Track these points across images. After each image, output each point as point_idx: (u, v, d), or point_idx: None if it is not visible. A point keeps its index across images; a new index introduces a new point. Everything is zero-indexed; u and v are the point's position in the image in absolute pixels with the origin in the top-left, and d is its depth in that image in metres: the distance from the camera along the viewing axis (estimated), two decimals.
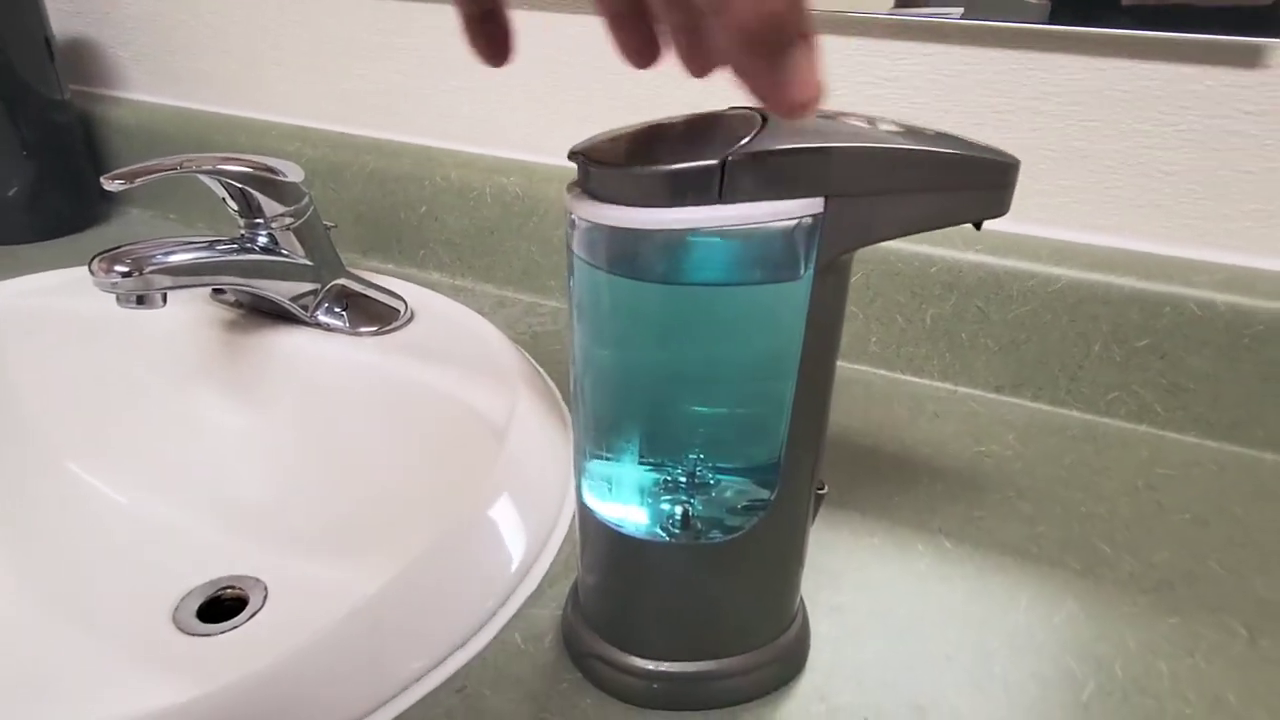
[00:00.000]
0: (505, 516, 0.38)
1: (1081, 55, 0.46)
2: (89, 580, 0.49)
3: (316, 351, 0.53)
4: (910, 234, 0.24)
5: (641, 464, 0.28)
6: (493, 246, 0.63)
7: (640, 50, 0.26)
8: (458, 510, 0.37)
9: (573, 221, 0.24)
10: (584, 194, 0.23)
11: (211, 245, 0.48)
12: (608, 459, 0.28)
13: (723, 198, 0.21)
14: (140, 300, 0.46)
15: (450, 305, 0.58)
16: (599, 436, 0.28)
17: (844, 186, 0.23)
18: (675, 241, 0.23)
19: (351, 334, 0.53)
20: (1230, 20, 0.41)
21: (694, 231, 0.22)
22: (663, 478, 0.28)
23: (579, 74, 0.58)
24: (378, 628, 0.32)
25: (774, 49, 0.18)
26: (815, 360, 0.25)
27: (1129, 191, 0.47)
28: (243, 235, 0.51)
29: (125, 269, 0.44)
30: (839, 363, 0.54)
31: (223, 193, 0.49)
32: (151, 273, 0.45)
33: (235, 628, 0.46)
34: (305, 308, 0.53)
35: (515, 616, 0.35)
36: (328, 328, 0.53)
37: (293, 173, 0.50)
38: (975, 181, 0.25)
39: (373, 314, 0.54)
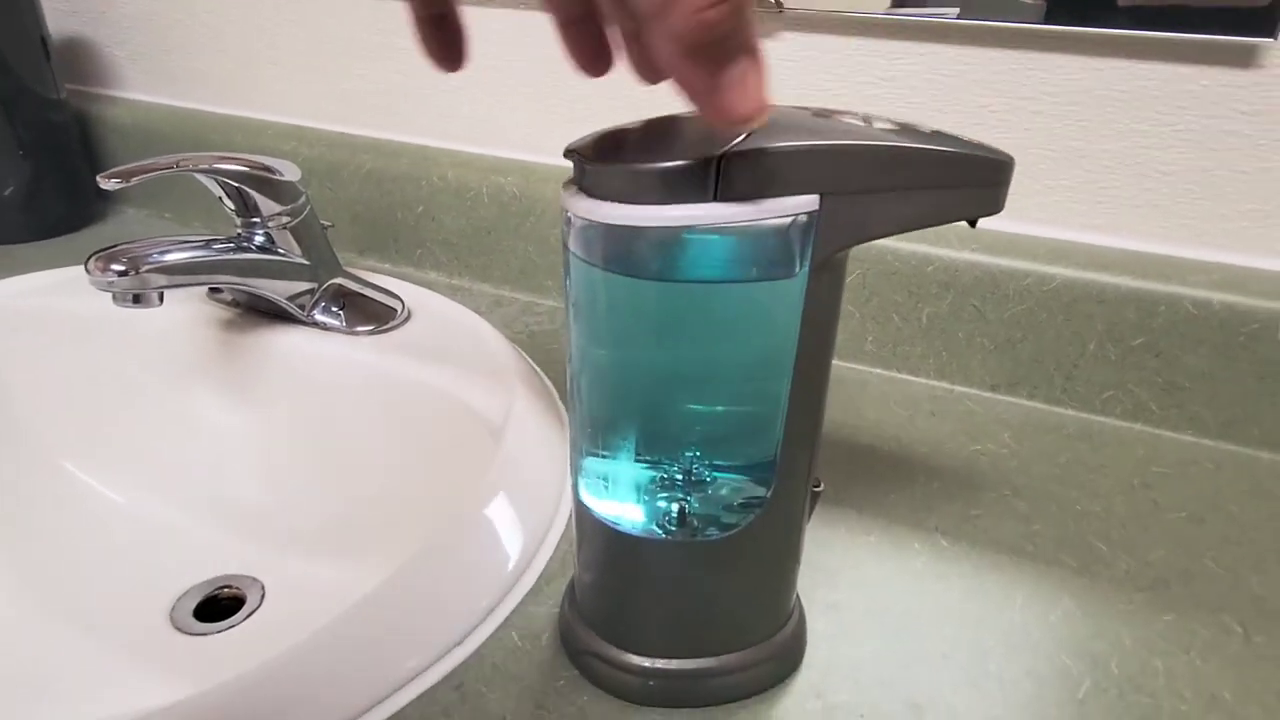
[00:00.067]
0: (502, 515, 0.38)
1: (1078, 55, 0.46)
2: (85, 580, 0.49)
3: (313, 351, 0.53)
4: (905, 231, 0.25)
5: (638, 461, 0.28)
6: (490, 246, 0.63)
7: (592, 58, 0.26)
8: (455, 509, 0.37)
9: (568, 219, 0.24)
10: (580, 191, 0.23)
11: (208, 244, 0.48)
12: (604, 457, 0.28)
13: (718, 195, 0.21)
14: (136, 299, 0.46)
15: (447, 304, 0.58)
16: (595, 434, 0.28)
17: (839, 184, 0.23)
18: (670, 239, 0.23)
19: (348, 333, 0.53)
20: (1225, 20, 0.42)
21: (689, 229, 0.22)
22: (659, 475, 0.28)
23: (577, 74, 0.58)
24: (375, 626, 0.32)
25: (713, 59, 0.18)
26: (811, 358, 0.25)
27: (1126, 191, 0.48)
28: (239, 234, 0.51)
29: (121, 268, 0.44)
30: (836, 361, 0.54)
31: (219, 192, 0.49)
32: (148, 272, 0.45)
33: (232, 627, 0.46)
34: (302, 307, 0.53)
35: (512, 614, 0.35)
36: (324, 327, 0.53)
37: (289, 172, 0.50)
38: (969, 179, 0.25)
39: (370, 313, 0.54)
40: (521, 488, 0.39)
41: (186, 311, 0.55)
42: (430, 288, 0.60)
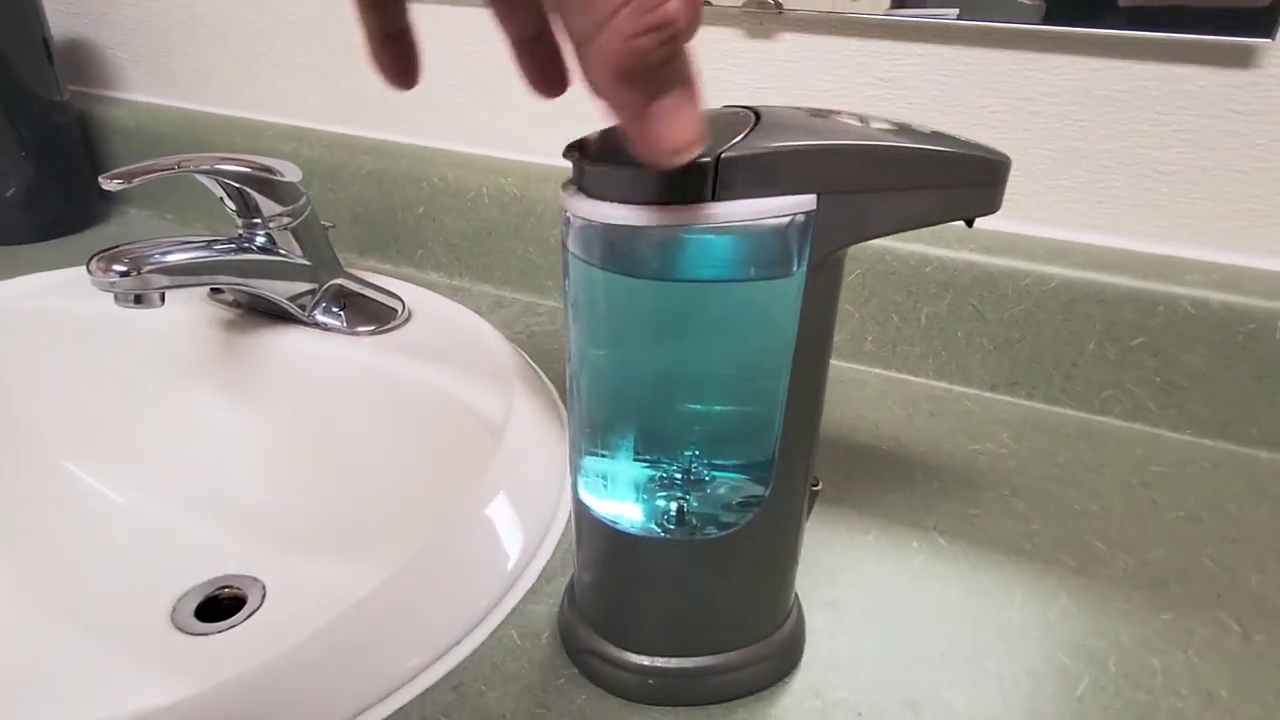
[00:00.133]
0: (502, 514, 0.38)
1: (1077, 56, 0.46)
2: (86, 580, 0.49)
3: (314, 351, 0.53)
4: (902, 231, 0.25)
5: (637, 461, 0.28)
6: (490, 247, 0.63)
7: (545, 78, 0.25)
8: (455, 508, 0.37)
9: (567, 219, 0.24)
10: (579, 192, 0.24)
11: (209, 245, 0.48)
12: (603, 456, 0.28)
13: (716, 195, 0.22)
14: (138, 300, 0.46)
15: (448, 305, 0.58)
16: (594, 433, 0.28)
17: (836, 184, 0.23)
18: (669, 239, 0.23)
19: (349, 333, 0.53)
20: (1223, 21, 0.42)
21: (687, 229, 0.23)
22: (658, 474, 0.28)
23: (577, 75, 0.58)
24: (375, 625, 0.32)
25: (644, 87, 0.18)
26: (808, 357, 0.25)
27: (1125, 191, 0.48)
28: (240, 235, 0.51)
29: (123, 268, 0.45)
30: (835, 361, 0.55)
31: (220, 193, 0.49)
32: (149, 272, 0.45)
33: (233, 627, 0.46)
34: (303, 307, 0.53)
35: (512, 613, 0.35)
36: (325, 327, 0.53)
37: (290, 173, 0.50)
38: (966, 179, 0.25)
39: (370, 314, 0.54)
40: (521, 487, 0.39)
41: (188, 312, 0.55)
42: (431, 288, 0.60)
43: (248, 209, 0.50)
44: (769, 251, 0.23)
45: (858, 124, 0.25)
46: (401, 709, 0.30)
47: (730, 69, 0.54)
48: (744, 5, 0.51)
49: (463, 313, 0.57)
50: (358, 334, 0.53)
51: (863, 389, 0.52)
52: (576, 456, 0.29)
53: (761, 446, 0.27)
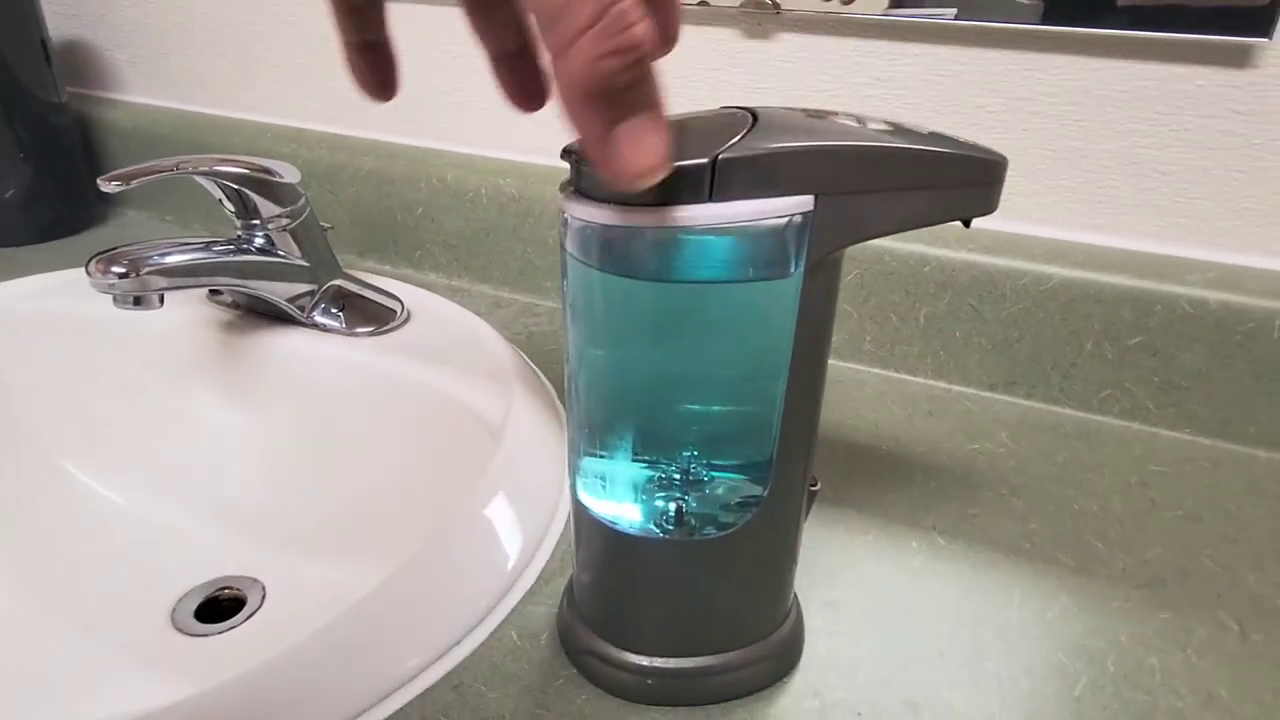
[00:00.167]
0: (501, 515, 0.38)
1: (1075, 55, 0.46)
2: (86, 581, 0.49)
3: (313, 352, 0.53)
4: (900, 232, 0.25)
5: (635, 461, 0.28)
6: (489, 247, 0.63)
7: (524, 93, 0.26)
8: (454, 509, 0.37)
9: (565, 220, 0.24)
10: (576, 193, 0.24)
11: (208, 246, 0.48)
12: (602, 456, 0.28)
13: (713, 196, 0.22)
14: (137, 301, 0.46)
15: (446, 306, 0.58)
16: (593, 434, 0.28)
17: (833, 185, 0.23)
18: (666, 240, 0.23)
19: (348, 334, 0.53)
20: (1221, 20, 0.42)
21: (685, 230, 0.23)
22: (656, 475, 0.28)
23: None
24: (374, 625, 0.32)
25: (608, 109, 0.17)
26: (807, 357, 0.25)
27: (1124, 191, 0.48)
28: (239, 236, 0.51)
29: (122, 270, 0.45)
30: (834, 361, 0.55)
31: (219, 194, 0.49)
32: (148, 274, 0.45)
33: (233, 628, 0.46)
34: (302, 308, 0.53)
35: (511, 614, 0.35)
36: (324, 328, 0.53)
37: (289, 174, 0.50)
38: (963, 179, 0.25)
39: (369, 314, 0.54)
40: (520, 488, 0.40)
41: (187, 313, 0.55)
42: (429, 289, 0.60)
43: (246, 210, 0.50)
44: (766, 252, 0.23)
45: (855, 125, 0.25)
46: (401, 709, 0.31)
47: (728, 69, 0.54)
48: (741, 5, 0.51)
49: (461, 313, 0.57)
50: (357, 335, 0.53)
51: (861, 389, 0.52)
52: (575, 457, 0.29)
53: (760, 447, 0.27)
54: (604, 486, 0.29)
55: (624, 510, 0.29)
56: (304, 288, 0.53)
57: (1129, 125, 0.46)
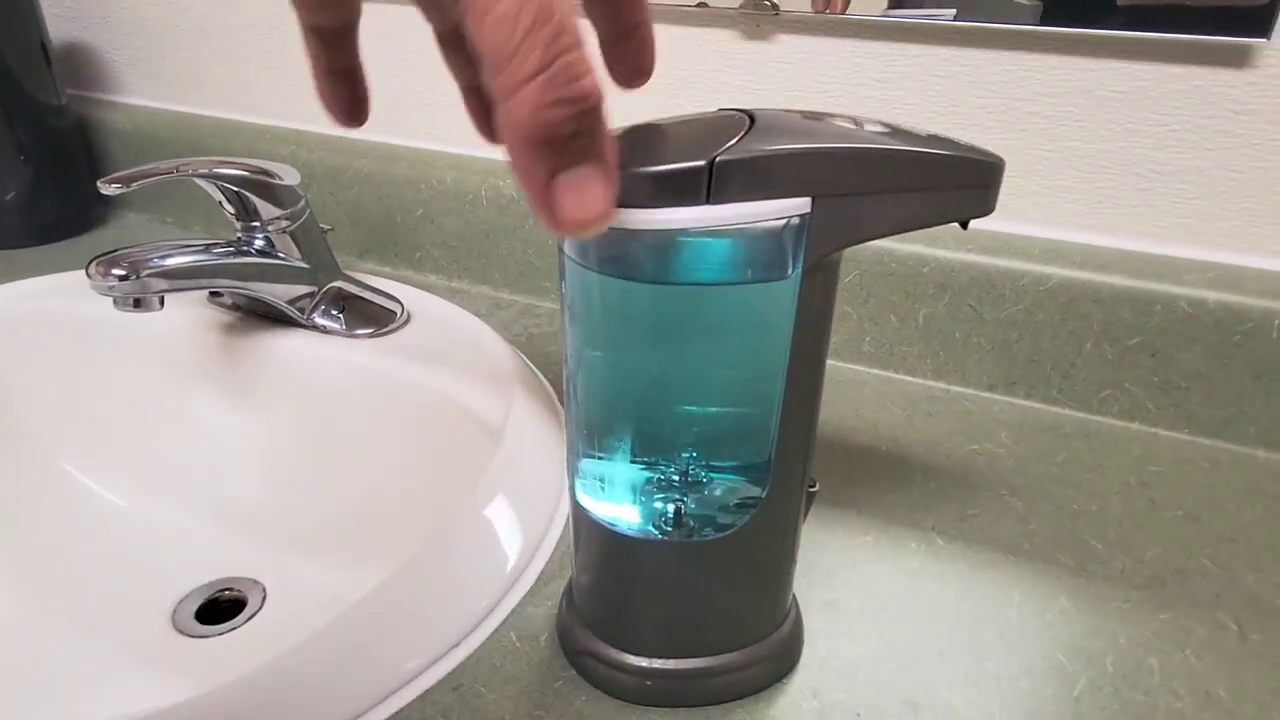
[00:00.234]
0: (501, 516, 0.38)
1: (1074, 56, 0.46)
2: (86, 582, 0.49)
3: (313, 354, 0.53)
4: (897, 233, 0.25)
5: (634, 463, 0.28)
6: (489, 249, 0.63)
7: (491, 125, 0.26)
8: (454, 510, 0.37)
9: None
10: None
11: (208, 248, 0.49)
12: (600, 458, 0.28)
13: (711, 198, 0.22)
14: (137, 303, 0.46)
15: (446, 307, 0.58)
16: (591, 436, 0.28)
17: (830, 187, 0.23)
18: (664, 242, 0.23)
19: (348, 336, 0.53)
20: (1219, 20, 0.42)
21: (683, 232, 0.23)
22: (655, 476, 0.28)
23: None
24: (374, 626, 0.32)
25: (552, 157, 0.17)
26: (805, 359, 0.25)
27: (1123, 191, 0.48)
28: (239, 238, 0.51)
29: (122, 272, 0.45)
30: (834, 362, 0.55)
31: (219, 196, 0.49)
32: (148, 276, 0.45)
33: (234, 629, 0.46)
34: (302, 310, 0.53)
35: (511, 615, 0.35)
36: (324, 330, 0.54)
37: (289, 176, 0.50)
38: (960, 181, 0.25)
39: (369, 316, 0.54)
40: (520, 489, 0.40)
41: (187, 315, 0.55)
42: (429, 290, 0.60)
43: (246, 212, 0.50)
44: (764, 254, 0.23)
45: (852, 127, 0.25)
46: (401, 710, 0.31)
47: (726, 70, 0.54)
48: (740, 7, 0.51)
49: (461, 315, 0.57)
50: (356, 336, 0.53)
51: (861, 389, 0.52)
52: (574, 459, 0.29)
53: (758, 448, 0.27)
54: (603, 488, 0.29)
55: (623, 512, 0.29)
56: (304, 289, 0.53)
57: (1127, 125, 0.46)
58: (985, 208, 0.26)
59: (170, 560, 0.50)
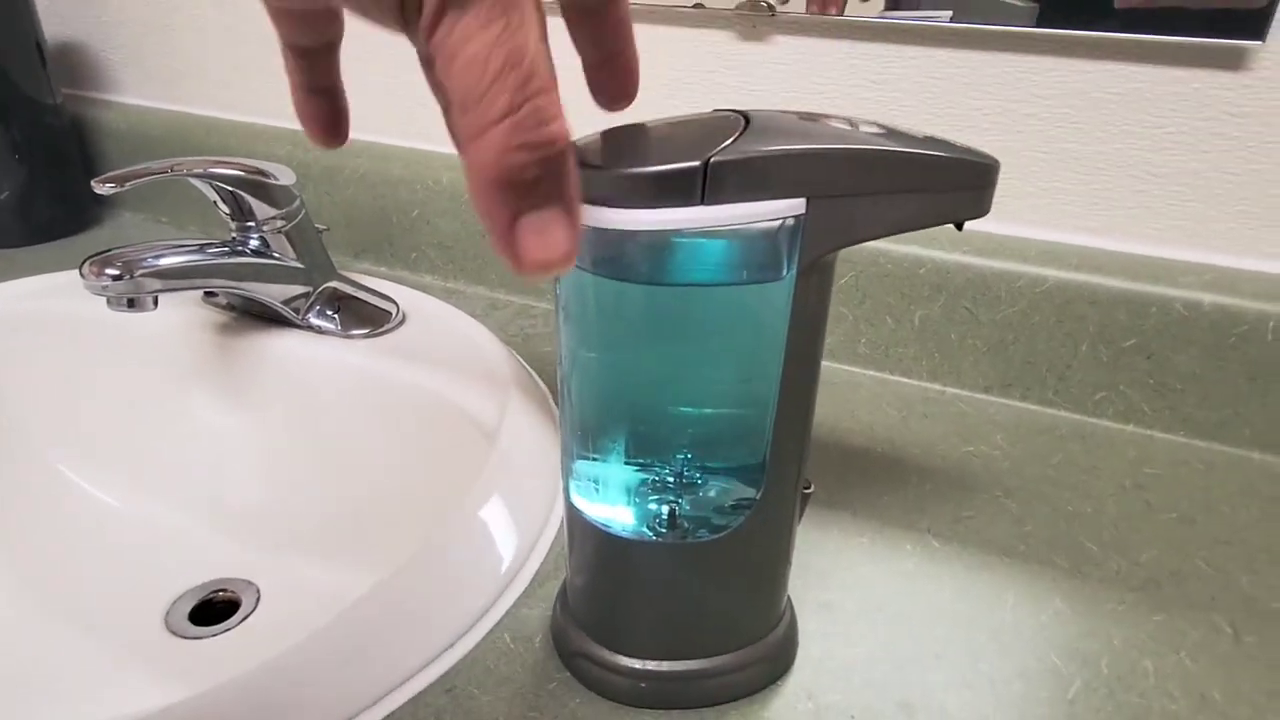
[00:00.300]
0: (496, 517, 0.38)
1: (1070, 58, 0.46)
2: (81, 583, 0.49)
3: (308, 354, 0.53)
4: (892, 234, 0.25)
5: (628, 464, 0.28)
6: (485, 249, 0.63)
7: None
8: (449, 511, 0.37)
9: None
10: None
11: (203, 248, 0.48)
12: (595, 459, 0.28)
13: (705, 199, 0.22)
14: (131, 303, 0.46)
15: (442, 308, 0.58)
16: (586, 437, 0.28)
17: (825, 188, 0.23)
18: (659, 242, 0.23)
19: (343, 336, 0.53)
20: (1215, 23, 0.42)
21: (677, 232, 0.23)
22: (649, 478, 0.28)
23: (572, 77, 0.58)
24: (368, 628, 0.32)
25: (516, 198, 0.17)
26: (799, 360, 0.25)
27: (1118, 193, 0.48)
28: (234, 238, 0.51)
29: (116, 272, 0.45)
30: (829, 363, 0.55)
31: (214, 196, 0.49)
32: (142, 276, 0.45)
33: (227, 630, 0.46)
34: (297, 310, 0.53)
35: (505, 616, 0.35)
36: (319, 330, 0.53)
37: (284, 176, 0.50)
38: (955, 183, 0.25)
39: (364, 316, 0.54)
40: (515, 490, 0.39)
41: (181, 315, 0.55)
42: (425, 291, 0.60)
43: (241, 212, 0.50)
44: (759, 255, 0.23)
45: (847, 128, 0.25)
46: (394, 713, 0.30)
47: (723, 71, 0.54)
48: (737, 7, 0.51)
49: (457, 315, 0.57)
50: (352, 337, 0.53)
51: (856, 391, 0.52)
52: (568, 460, 0.29)
53: (753, 449, 0.27)
54: (597, 489, 0.29)
55: (617, 513, 0.29)
56: (299, 290, 0.53)
57: (1123, 128, 0.46)
58: (981, 209, 0.26)
59: (164, 561, 0.50)
